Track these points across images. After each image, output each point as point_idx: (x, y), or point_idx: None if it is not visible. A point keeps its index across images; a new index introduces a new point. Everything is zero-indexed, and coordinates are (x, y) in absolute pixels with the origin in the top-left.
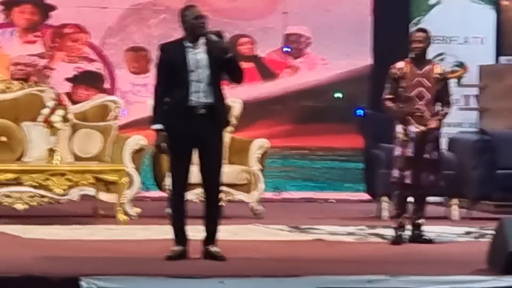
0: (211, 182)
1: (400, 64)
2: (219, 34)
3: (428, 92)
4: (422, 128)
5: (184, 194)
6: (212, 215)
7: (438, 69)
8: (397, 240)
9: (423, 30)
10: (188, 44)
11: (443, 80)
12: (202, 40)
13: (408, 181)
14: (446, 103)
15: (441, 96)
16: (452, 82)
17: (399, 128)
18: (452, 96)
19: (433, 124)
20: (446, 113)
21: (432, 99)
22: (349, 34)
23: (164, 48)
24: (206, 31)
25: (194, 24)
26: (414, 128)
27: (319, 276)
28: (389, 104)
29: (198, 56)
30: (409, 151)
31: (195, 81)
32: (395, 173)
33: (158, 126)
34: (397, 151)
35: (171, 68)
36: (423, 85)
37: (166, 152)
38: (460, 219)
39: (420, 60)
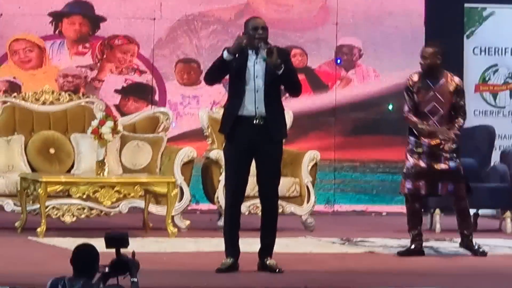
0: (268, 193)
1: (415, 77)
2: (270, 50)
3: (441, 108)
4: (435, 141)
5: (240, 206)
6: (270, 227)
7: (453, 82)
8: (408, 253)
9: (432, 45)
10: (250, 52)
11: (458, 92)
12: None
13: (423, 192)
14: (461, 114)
15: (456, 108)
16: (505, 94)
17: (411, 140)
18: (466, 106)
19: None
20: (460, 126)
21: (446, 113)
22: (402, 45)
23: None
24: (259, 44)
25: (251, 35)
26: (426, 141)
27: None
28: (413, 118)
29: (257, 66)
30: (423, 162)
31: (253, 91)
32: (409, 184)
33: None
34: (410, 162)
35: (232, 75)
36: (437, 100)
37: (242, 45)
38: None
39: (434, 74)
